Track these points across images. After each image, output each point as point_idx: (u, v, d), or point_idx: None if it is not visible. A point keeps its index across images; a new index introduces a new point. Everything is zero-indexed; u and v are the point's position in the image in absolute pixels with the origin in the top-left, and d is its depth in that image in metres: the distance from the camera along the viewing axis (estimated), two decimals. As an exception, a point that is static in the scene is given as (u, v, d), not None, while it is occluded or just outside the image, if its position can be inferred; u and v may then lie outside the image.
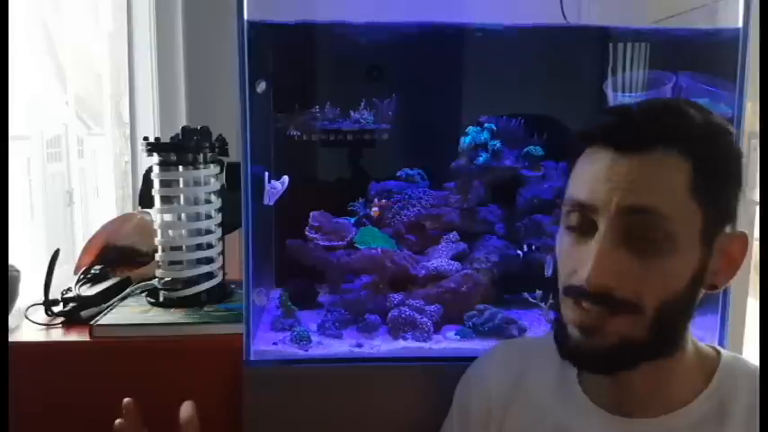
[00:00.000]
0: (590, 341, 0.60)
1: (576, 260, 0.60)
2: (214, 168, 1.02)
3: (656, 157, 0.57)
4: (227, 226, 1.05)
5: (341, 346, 0.90)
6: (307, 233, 0.99)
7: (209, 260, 1.02)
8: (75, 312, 0.96)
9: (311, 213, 1.01)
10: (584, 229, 0.60)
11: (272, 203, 0.91)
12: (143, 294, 1.04)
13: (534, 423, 0.70)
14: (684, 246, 0.58)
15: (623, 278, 0.57)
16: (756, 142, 1.07)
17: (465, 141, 1.02)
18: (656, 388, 0.63)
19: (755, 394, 0.62)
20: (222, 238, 1.05)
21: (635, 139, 0.58)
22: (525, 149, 1.02)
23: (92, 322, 0.91)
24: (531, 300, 0.94)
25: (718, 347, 0.68)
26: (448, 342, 0.91)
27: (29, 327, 0.95)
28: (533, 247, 0.95)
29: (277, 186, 0.92)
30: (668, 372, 0.63)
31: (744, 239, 0.61)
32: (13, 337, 0.90)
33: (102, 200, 1.68)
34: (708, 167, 0.58)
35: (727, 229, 0.61)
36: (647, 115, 0.60)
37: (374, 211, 0.97)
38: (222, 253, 1.05)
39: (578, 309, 0.60)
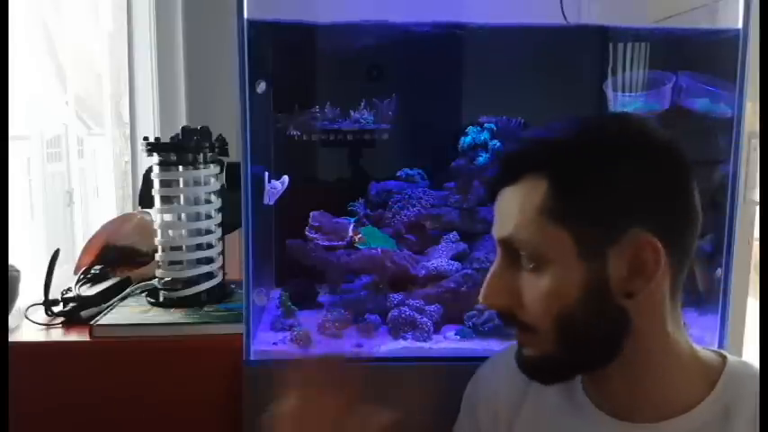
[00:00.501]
0: (523, 353, 0.65)
1: None
2: (214, 168, 1.02)
3: (519, 186, 0.61)
4: (227, 226, 1.05)
5: (341, 347, 0.89)
6: (307, 233, 0.99)
7: (209, 260, 1.02)
8: (75, 312, 0.96)
9: (311, 213, 1.01)
10: None
11: (272, 203, 0.91)
12: (143, 294, 1.04)
13: (542, 425, 0.71)
14: (558, 263, 0.59)
15: (516, 299, 0.62)
16: (756, 142, 1.07)
17: (465, 141, 1.02)
18: (644, 392, 0.63)
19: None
20: (222, 238, 1.05)
21: (502, 174, 0.64)
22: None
23: (92, 322, 0.91)
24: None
25: (725, 353, 0.67)
26: (448, 342, 0.91)
27: (29, 327, 0.95)
28: None
29: (277, 186, 0.92)
30: (651, 376, 0.63)
31: (651, 244, 0.58)
32: (13, 337, 0.90)
33: (102, 200, 1.68)
34: (561, 186, 0.59)
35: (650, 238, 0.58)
36: (512, 150, 0.66)
37: (359, 238, 0.97)
38: (222, 253, 1.05)
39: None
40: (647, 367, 0.63)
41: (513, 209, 0.61)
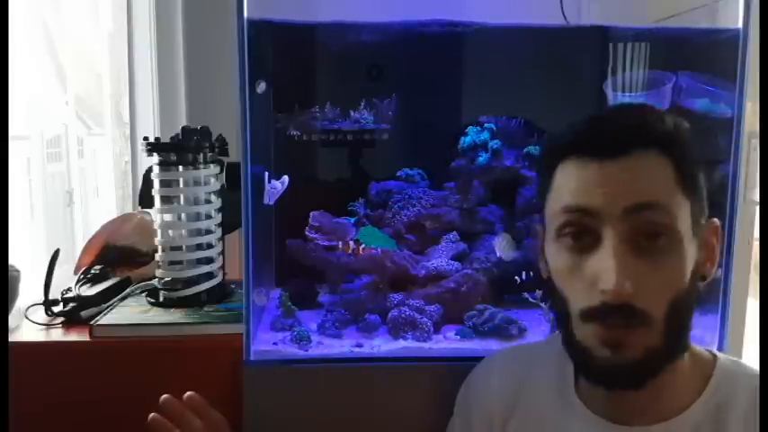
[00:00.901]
0: (619, 357, 0.58)
1: (586, 278, 0.58)
2: (214, 168, 1.02)
3: (639, 158, 0.58)
4: (227, 226, 1.05)
5: (341, 346, 0.90)
6: (307, 233, 0.99)
7: (209, 260, 1.02)
8: (75, 312, 0.96)
9: (311, 213, 1.01)
10: (585, 242, 0.59)
11: (272, 203, 0.91)
12: (143, 294, 1.04)
13: (536, 428, 0.71)
14: (682, 241, 0.58)
15: (640, 285, 0.56)
16: (756, 142, 1.07)
17: (465, 141, 1.02)
18: (655, 394, 0.63)
19: (753, 397, 0.62)
20: (222, 238, 1.05)
21: (615, 145, 0.58)
22: (525, 149, 1.02)
23: (92, 322, 0.91)
24: (531, 300, 0.94)
25: (715, 351, 0.68)
26: (448, 342, 0.91)
27: (29, 327, 0.95)
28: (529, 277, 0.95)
29: (277, 186, 0.92)
30: (665, 377, 0.62)
31: (715, 225, 0.63)
32: (13, 337, 0.90)
33: (102, 200, 1.68)
34: (684, 162, 0.59)
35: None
36: (621, 120, 0.62)
37: (363, 248, 0.97)
38: (222, 253, 1.05)
39: (601, 328, 0.58)
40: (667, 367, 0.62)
41: (640, 178, 0.57)
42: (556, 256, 0.62)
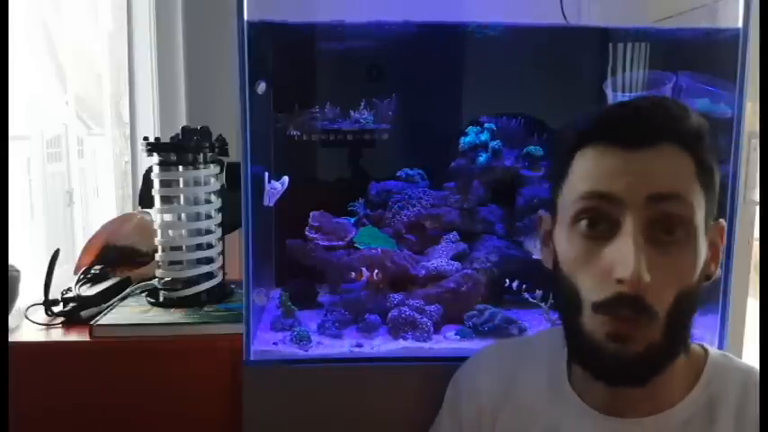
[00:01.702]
0: (625, 350, 0.57)
1: (601, 266, 0.57)
2: (214, 168, 1.02)
3: (664, 150, 0.58)
4: (227, 226, 1.05)
5: (341, 347, 0.90)
6: (307, 233, 0.99)
7: (209, 260, 1.02)
8: (75, 312, 0.96)
9: (311, 213, 1.01)
10: (601, 230, 0.58)
11: (271, 204, 0.91)
12: (143, 294, 1.04)
13: (526, 425, 0.71)
14: (697, 236, 0.58)
15: (654, 276, 0.55)
16: (756, 142, 1.07)
17: (465, 141, 1.02)
18: (652, 388, 0.62)
19: (744, 391, 0.63)
20: (222, 238, 1.05)
21: (641, 134, 0.58)
22: (525, 149, 1.02)
23: (92, 322, 0.91)
24: (531, 300, 0.94)
25: (706, 345, 0.68)
26: (448, 342, 0.91)
27: (29, 327, 0.95)
28: (522, 286, 0.94)
29: (277, 187, 0.92)
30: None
31: (721, 226, 0.64)
32: (13, 337, 0.90)
33: (102, 200, 1.68)
34: (703, 159, 0.59)
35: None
36: (650, 111, 0.60)
37: (376, 272, 0.96)
38: (222, 253, 1.05)
39: (611, 319, 0.57)
40: None
41: (665, 169, 0.57)
42: (568, 244, 0.61)
